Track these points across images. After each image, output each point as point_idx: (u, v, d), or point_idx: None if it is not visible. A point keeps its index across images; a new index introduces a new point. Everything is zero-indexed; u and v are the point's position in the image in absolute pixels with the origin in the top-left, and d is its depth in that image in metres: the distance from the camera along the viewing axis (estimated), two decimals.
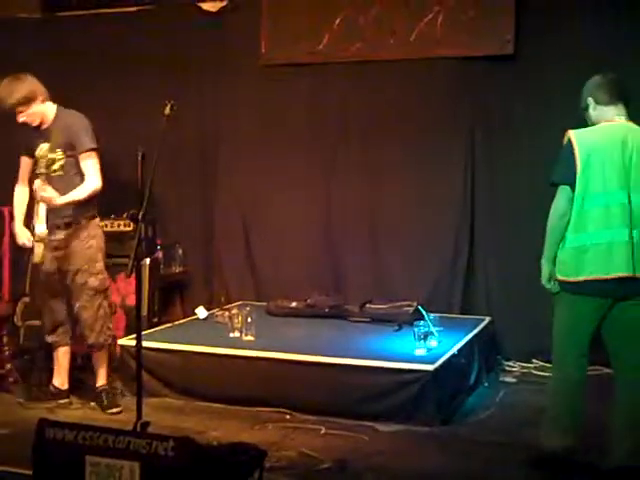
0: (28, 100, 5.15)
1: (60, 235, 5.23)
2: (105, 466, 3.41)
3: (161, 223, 6.90)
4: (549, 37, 6.27)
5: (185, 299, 7.16)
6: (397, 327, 5.96)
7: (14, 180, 5.51)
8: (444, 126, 6.63)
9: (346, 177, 6.90)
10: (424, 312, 5.83)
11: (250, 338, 5.69)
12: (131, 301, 6.25)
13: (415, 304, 6.08)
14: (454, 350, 5.36)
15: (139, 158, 5.09)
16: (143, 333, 4.82)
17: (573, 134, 4.12)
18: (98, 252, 5.32)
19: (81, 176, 5.20)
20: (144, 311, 6.13)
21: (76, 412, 5.29)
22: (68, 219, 5.22)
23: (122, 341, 5.67)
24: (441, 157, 6.66)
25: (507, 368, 6.21)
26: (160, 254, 6.80)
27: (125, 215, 6.10)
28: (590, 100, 4.25)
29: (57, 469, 3.49)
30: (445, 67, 6.54)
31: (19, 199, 5.45)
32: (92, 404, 5.39)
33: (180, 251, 7.11)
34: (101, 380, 5.43)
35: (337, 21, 6.82)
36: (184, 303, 7.11)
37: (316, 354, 5.26)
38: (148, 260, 6.38)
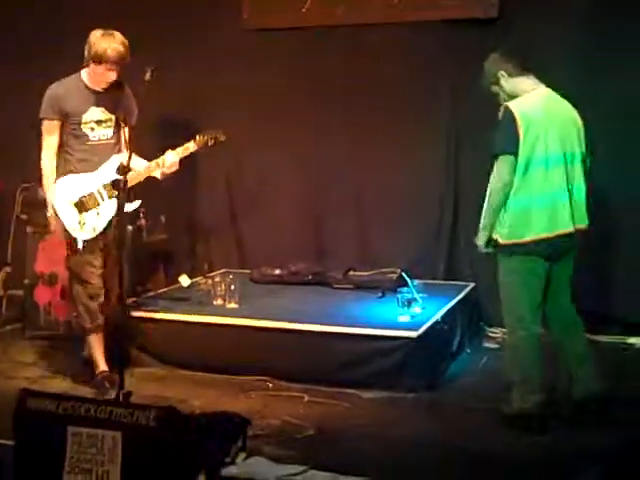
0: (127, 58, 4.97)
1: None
2: (87, 436, 3.41)
3: (143, 190, 6.84)
4: (533, 2, 6.23)
5: (169, 267, 7.11)
6: (381, 294, 5.95)
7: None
8: (428, 90, 6.58)
9: (330, 142, 6.85)
10: (408, 279, 5.82)
11: (233, 306, 5.68)
12: None
13: (399, 271, 6.06)
14: (437, 317, 5.36)
15: (121, 125, 5.08)
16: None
17: (511, 105, 4.26)
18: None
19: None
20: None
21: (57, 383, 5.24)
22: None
23: None
24: (425, 122, 6.61)
25: (490, 334, 6.21)
26: (143, 222, 6.75)
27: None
28: (502, 73, 4.39)
29: (39, 439, 3.48)
30: (429, 30, 6.48)
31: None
32: None
33: (163, 218, 7.05)
34: (103, 365, 5.14)
35: None
36: (168, 271, 7.07)
37: (299, 321, 5.26)
38: (130, 228, 6.33)
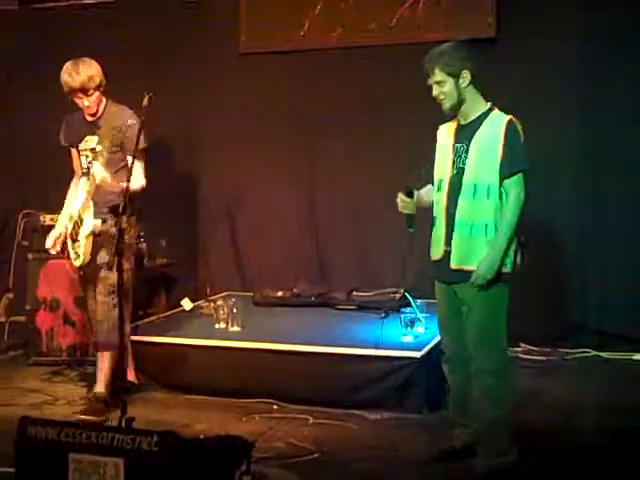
0: (98, 83, 4.98)
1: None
2: (89, 463, 3.37)
3: (144, 215, 6.84)
4: (530, 19, 6.25)
5: (170, 291, 7.10)
6: (384, 314, 5.92)
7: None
8: (426, 111, 6.55)
9: (329, 164, 6.87)
10: (410, 298, 5.79)
11: (236, 329, 5.66)
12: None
13: (402, 291, 6.04)
14: None
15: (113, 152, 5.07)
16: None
17: (517, 122, 3.94)
18: (127, 250, 4.80)
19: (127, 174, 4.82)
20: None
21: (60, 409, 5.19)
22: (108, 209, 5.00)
23: None
24: (423, 142, 6.58)
25: None
26: (144, 246, 6.74)
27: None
28: (466, 73, 3.94)
29: (40, 467, 3.44)
30: (426, 52, 6.46)
31: (73, 193, 5.21)
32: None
33: (164, 243, 7.04)
34: (100, 387, 5.08)
35: (317, 7, 6.79)
36: (169, 295, 7.05)
37: (303, 343, 5.24)
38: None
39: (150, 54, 7.11)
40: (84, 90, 4.97)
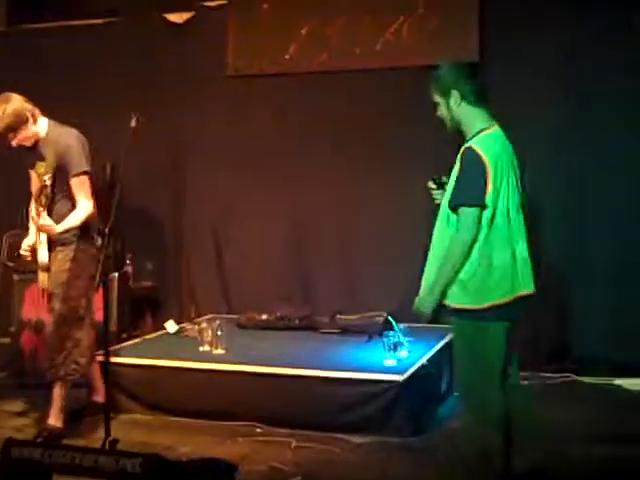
0: (16, 126, 4.79)
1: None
2: None
3: (130, 237, 6.87)
4: (513, 44, 6.34)
5: (155, 313, 7.11)
6: (367, 338, 5.95)
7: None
8: (413, 136, 6.64)
9: (314, 188, 6.91)
10: (394, 322, 5.82)
11: (220, 351, 5.67)
12: (100, 316, 6.19)
13: (385, 314, 6.07)
14: (424, 360, 5.35)
15: (107, 172, 5.11)
16: (112, 348, 4.80)
17: (478, 147, 3.69)
18: (75, 278, 4.88)
19: (72, 200, 4.86)
20: (113, 326, 6.09)
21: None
22: (59, 242, 4.90)
23: None
24: (410, 166, 6.66)
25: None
26: (129, 268, 6.76)
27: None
28: (455, 93, 3.82)
29: None
30: (410, 76, 6.55)
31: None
32: None
33: (150, 265, 7.07)
34: (52, 419, 4.93)
35: (303, 31, 6.86)
36: (154, 317, 7.06)
37: (287, 366, 5.25)
38: (117, 274, 6.33)
39: (138, 75, 7.16)
40: (4, 137, 4.84)
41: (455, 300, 3.74)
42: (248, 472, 4.26)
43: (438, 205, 3.96)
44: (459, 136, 3.91)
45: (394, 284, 6.62)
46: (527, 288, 3.78)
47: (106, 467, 3.37)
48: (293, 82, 6.89)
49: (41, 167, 4.77)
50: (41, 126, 4.93)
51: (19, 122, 4.80)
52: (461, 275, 3.70)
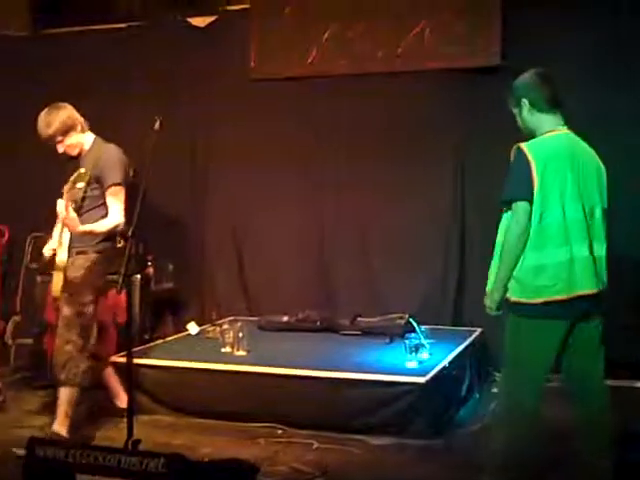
0: (66, 130, 4.97)
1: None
2: None
3: (152, 239, 6.90)
4: (535, 48, 6.29)
5: (176, 315, 7.14)
6: (389, 340, 5.96)
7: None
8: (433, 139, 6.64)
9: (337, 191, 6.91)
10: (415, 324, 5.83)
11: (242, 353, 5.69)
12: (122, 318, 6.23)
13: (406, 316, 6.08)
14: (445, 362, 5.35)
15: (130, 174, 5.14)
16: (134, 350, 4.82)
17: (525, 147, 3.78)
18: (87, 285, 4.93)
19: (105, 210, 4.95)
20: (135, 328, 6.12)
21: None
22: (79, 248, 4.96)
23: (114, 358, 5.64)
24: (431, 171, 6.67)
25: (498, 379, 6.18)
26: (151, 270, 6.79)
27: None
28: (525, 102, 3.92)
29: None
30: (432, 80, 6.56)
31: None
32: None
33: (171, 267, 7.09)
34: (56, 424, 4.89)
35: (325, 35, 6.86)
36: (175, 319, 7.09)
37: (308, 368, 5.26)
38: (139, 276, 6.37)
39: (161, 79, 7.19)
40: (53, 140, 5.00)
41: (513, 294, 3.80)
42: (269, 473, 4.29)
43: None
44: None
45: (415, 286, 6.63)
46: (587, 287, 3.77)
47: (129, 467, 3.40)
48: (315, 86, 6.90)
49: (78, 175, 4.87)
50: (87, 139, 5.11)
51: (70, 127, 5.00)
52: (515, 270, 3.77)
